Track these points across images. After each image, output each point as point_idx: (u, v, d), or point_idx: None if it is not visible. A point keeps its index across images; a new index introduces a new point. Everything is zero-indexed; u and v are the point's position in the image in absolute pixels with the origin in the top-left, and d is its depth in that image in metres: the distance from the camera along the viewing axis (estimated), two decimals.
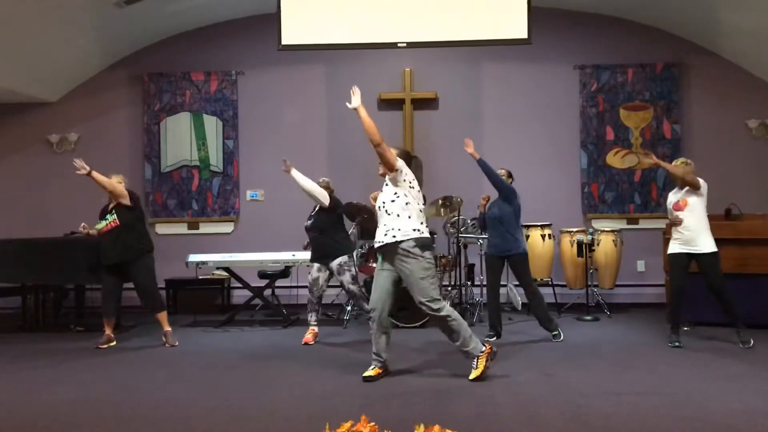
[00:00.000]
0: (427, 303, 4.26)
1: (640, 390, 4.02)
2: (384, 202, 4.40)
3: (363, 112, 4.44)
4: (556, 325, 5.77)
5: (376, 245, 4.41)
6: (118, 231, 5.69)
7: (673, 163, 5.51)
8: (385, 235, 4.33)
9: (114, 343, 5.78)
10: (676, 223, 5.33)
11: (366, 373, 4.34)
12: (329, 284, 5.94)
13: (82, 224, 6.01)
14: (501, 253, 5.73)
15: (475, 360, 4.25)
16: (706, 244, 5.29)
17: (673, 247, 5.39)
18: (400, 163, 4.40)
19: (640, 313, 7.23)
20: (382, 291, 4.40)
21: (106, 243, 5.73)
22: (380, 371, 4.38)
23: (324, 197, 5.74)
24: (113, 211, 5.73)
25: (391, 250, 4.32)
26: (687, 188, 5.35)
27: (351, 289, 5.77)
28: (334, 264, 5.74)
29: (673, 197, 5.50)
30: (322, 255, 5.80)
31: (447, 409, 3.66)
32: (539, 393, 3.97)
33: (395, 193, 4.37)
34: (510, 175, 5.88)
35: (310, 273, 5.88)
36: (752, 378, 4.29)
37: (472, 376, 4.21)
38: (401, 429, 3.17)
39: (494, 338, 5.73)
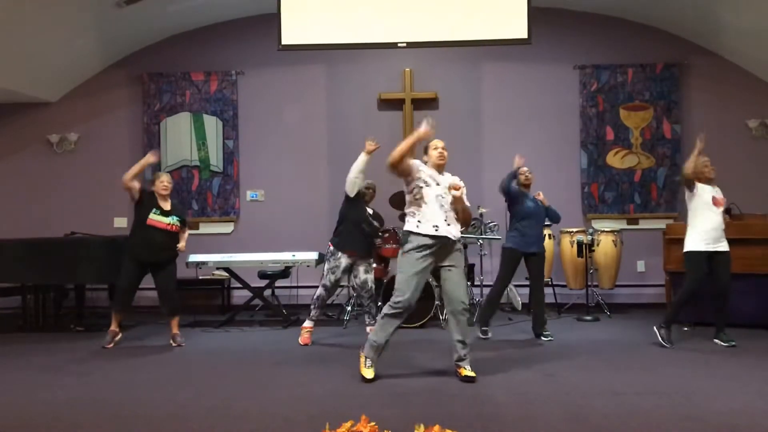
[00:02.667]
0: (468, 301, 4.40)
1: (640, 390, 4.01)
2: (442, 195, 4.35)
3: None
4: (545, 325, 5.83)
5: (445, 236, 4.30)
6: (172, 235, 5.73)
7: (704, 161, 5.42)
8: (449, 225, 4.31)
9: (120, 336, 5.77)
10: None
11: (368, 375, 4.32)
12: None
13: (153, 157, 5.90)
14: (533, 249, 5.74)
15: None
16: (726, 242, 5.33)
17: (698, 245, 5.29)
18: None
19: (640, 313, 7.23)
20: (416, 294, 4.33)
21: (155, 240, 5.64)
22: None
23: (350, 189, 5.74)
24: (175, 216, 5.76)
25: (449, 244, 4.32)
26: (717, 187, 5.37)
27: (372, 288, 5.83)
28: (365, 262, 5.81)
29: (708, 191, 5.35)
30: (369, 252, 5.87)
31: (447, 409, 3.65)
32: (539, 393, 3.97)
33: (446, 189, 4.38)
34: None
35: (333, 272, 5.71)
36: (752, 378, 4.28)
37: (472, 374, 4.24)
38: (401, 429, 3.16)
39: (488, 336, 5.76)
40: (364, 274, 5.78)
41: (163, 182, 5.78)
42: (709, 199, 5.32)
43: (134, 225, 5.73)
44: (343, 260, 5.72)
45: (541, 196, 5.93)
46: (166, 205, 5.76)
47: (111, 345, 5.66)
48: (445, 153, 4.52)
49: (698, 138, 5.38)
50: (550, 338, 5.69)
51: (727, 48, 7.80)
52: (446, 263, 4.34)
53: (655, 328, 5.43)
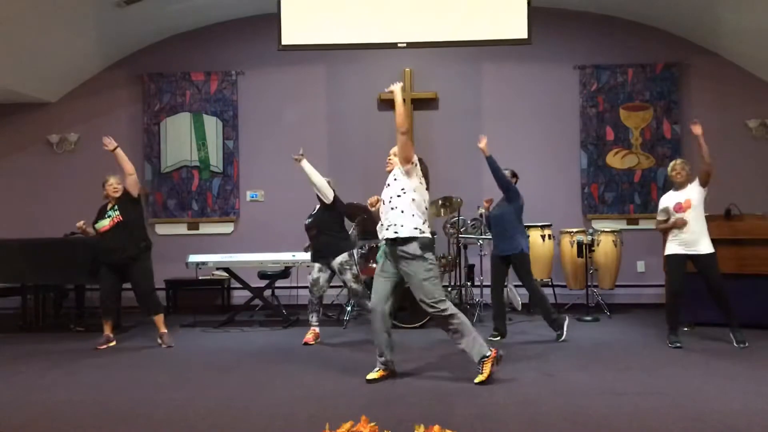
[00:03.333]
0: (431, 303, 4.23)
1: (640, 390, 4.02)
2: (391, 198, 4.34)
3: (400, 97, 4.47)
4: (560, 324, 5.72)
5: (381, 240, 4.43)
6: (122, 227, 5.66)
7: (672, 164, 5.50)
8: (387, 229, 4.31)
9: (113, 343, 5.78)
10: (679, 225, 5.29)
11: (369, 376, 4.32)
12: (330, 284, 5.95)
13: (80, 222, 5.84)
14: (502, 253, 5.75)
15: (481, 364, 4.20)
16: (706, 245, 5.30)
17: (673, 248, 5.37)
18: (416, 158, 4.39)
19: (640, 314, 7.23)
20: (382, 295, 4.36)
21: (109, 240, 5.67)
22: (384, 373, 4.36)
23: (328, 193, 5.75)
24: (115, 208, 5.72)
25: (392, 248, 4.29)
26: (690, 188, 5.33)
27: (353, 287, 5.76)
28: (336, 263, 5.73)
29: (671, 198, 5.43)
30: (322, 254, 5.78)
31: (447, 409, 3.65)
32: (539, 393, 3.97)
33: (402, 189, 4.32)
34: (514, 175, 5.90)
35: (310, 273, 5.86)
36: (752, 378, 4.29)
37: (477, 380, 4.16)
38: (401, 429, 3.17)
39: (498, 338, 5.74)
40: (341, 276, 5.77)
41: (112, 185, 5.79)
42: (671, 206, 5.37)
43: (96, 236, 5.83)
44: (314, 270, 5.83)
45: (482, 143, 5.71)
46: (110, 206, 5.78)
47: (104, 347, 5.67)
48: (392, 159, 4.49)
49: (693, 128, 5.34)
50: (561, 339, 5.66)
51: (727, 48, 7.80)
52: (400, 266, 4.33)
53: (668, 345, 5.39)
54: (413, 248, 4.22)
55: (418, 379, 4.36)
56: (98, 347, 5.64)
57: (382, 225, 4.41)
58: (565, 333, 5.68)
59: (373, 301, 4.42)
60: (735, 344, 5.27)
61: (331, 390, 4.13)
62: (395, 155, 4.46)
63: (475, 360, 4.22)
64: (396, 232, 4.25)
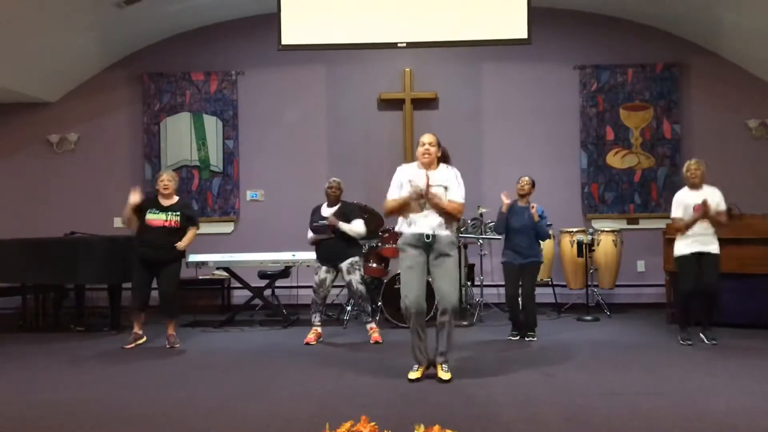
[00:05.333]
0: None
1: (640, 390, 4.02)
2: None
3: (443, 201, 4.29)
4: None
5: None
6: (173, 232, 5.64)
7: (687, 165, 5.50)
8: None
9: (144, 339, 5.77)
10: (701, 212, 5.27)
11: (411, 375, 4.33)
12: (333, 285, 5.98)
13: (135, 194, 5.65)
14: (526, 260, 5.69)
15: None
16: (715, 245, 5.36)
17: (684, 248, 5.39)
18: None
19: (640, 313, 7.23)
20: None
21: (156, 237, 5.60)
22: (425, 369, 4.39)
23: (363, 230, 5.86)
24: (176, 213, 5.69)
25: None
26: (706, 190, 5.36)
27: (359, 289, 5.79)
28: (345, 263, 5.77)
29: (689, 197, 5.41)
30: (335, 258, 5.80)
31: (447, 409, 3.66)
32: (539, 393, 3.97)
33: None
34: (533, 185, 5.88)
35: (317, 274, 5.84)
36: (752, 378, 4.29)
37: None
38: (401, 429, 3.16)
39: (518, 337, 5.78)
40: (348, 276, 5.77)
41: (163, 181, 5.75)
42: (690, 206, 5.37)
43: (138, 225, 5.75)
44: (321, 271, 5.82)
45: (533, 210, 5.71)
46: (166, 202, 5.73)
47: (131, 346, 5.65)
48: (432, 149, 4.38)
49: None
50: (532, 338, 5.73)
51: (727, 48, 7.80)
52: (433, 259, 4.31)
53: (680, 342, 5.43)
54: None
55: (418, 379, 4.35)
56: (127, 347, 5.61)
57: (410, 222, 4.39)
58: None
59: (407, 298, 4.33)
60: (707, 342, 5.36)
61: (331, 390, 4.13)
62: (430, 144, 4.41)
63: None
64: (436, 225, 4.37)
